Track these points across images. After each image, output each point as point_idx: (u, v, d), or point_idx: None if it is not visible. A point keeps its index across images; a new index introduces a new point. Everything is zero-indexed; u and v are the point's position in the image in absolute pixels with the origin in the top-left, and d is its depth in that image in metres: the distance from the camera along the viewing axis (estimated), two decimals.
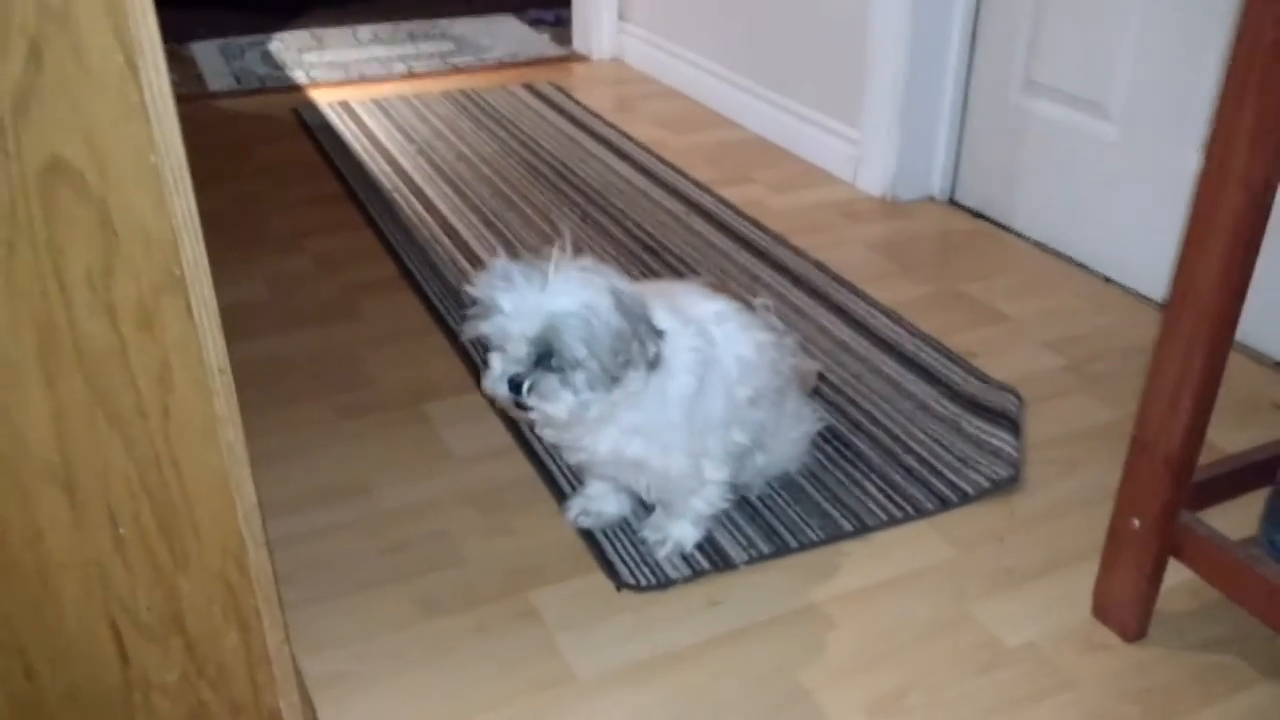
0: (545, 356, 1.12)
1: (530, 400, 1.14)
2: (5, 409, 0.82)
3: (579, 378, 1.13)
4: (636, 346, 1.14)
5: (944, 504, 1.41)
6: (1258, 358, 1.74)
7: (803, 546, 1.34)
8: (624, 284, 1.17)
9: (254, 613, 0.98)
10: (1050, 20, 2.04)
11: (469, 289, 1.15)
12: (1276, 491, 1.16)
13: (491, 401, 1.20)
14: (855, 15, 2.34)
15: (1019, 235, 2.19)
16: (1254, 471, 1.23)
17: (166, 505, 0.90)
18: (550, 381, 1.13)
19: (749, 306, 1.37)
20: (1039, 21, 2.06)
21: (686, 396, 1.22)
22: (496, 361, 1.15)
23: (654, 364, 1.16)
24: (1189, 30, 1.79)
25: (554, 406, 1.14)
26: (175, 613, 0.94)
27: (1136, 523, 1.16)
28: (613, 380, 1.14)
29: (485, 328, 1.14)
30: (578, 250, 1.16)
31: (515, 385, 1.13)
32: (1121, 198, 1.98)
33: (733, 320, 1.30)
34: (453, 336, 1.77)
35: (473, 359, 1.69)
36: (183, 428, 0.88)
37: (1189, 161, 1.83)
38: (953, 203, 2.34)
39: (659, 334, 1.17)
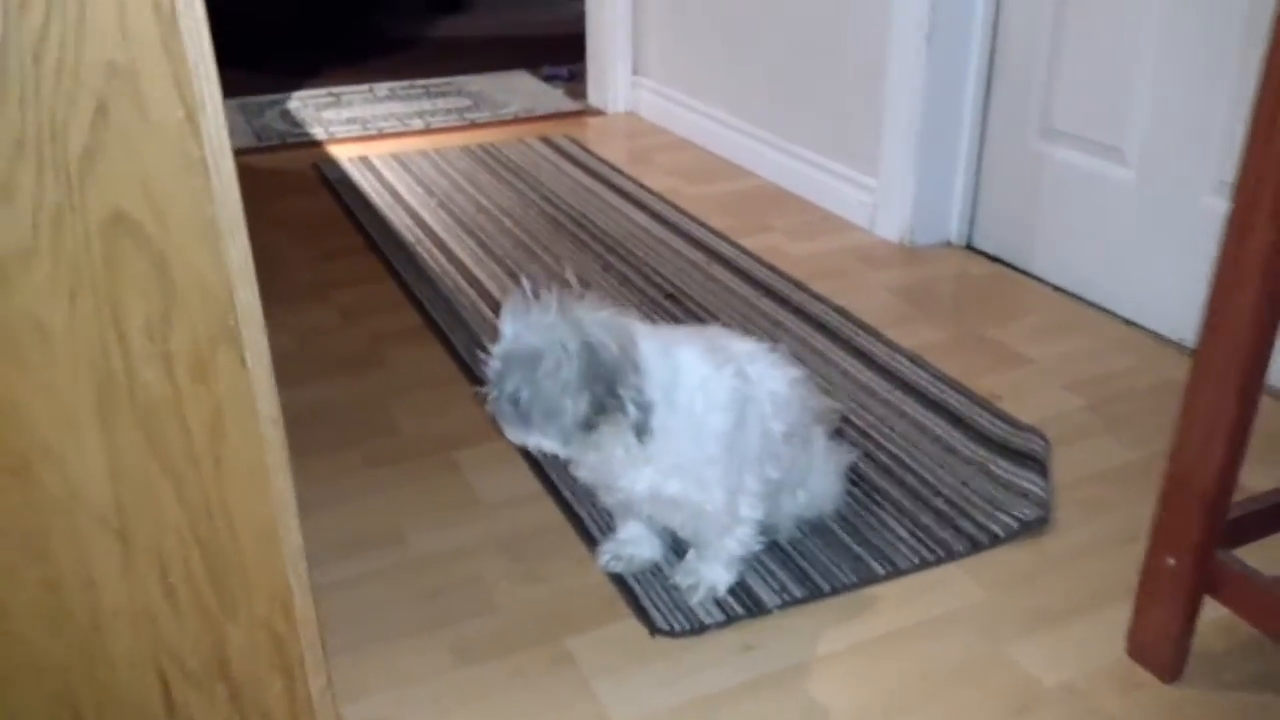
0: (504, 387, 1.16)
1: (500, 425, 1.18)
2: (62, 457, 0.84)
3: (533, 413, 1.15)
4: (600, 401, 1.13)
5: (974, 546, 1.41)
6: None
7: (835, 590, 1.34)
8: (615, 340, 1.15)
9: (298, 660, 0.99)
10: (1065, 66, 2.07)
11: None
12: None
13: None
14: (870, 64, 2.37)
15: (1038, 279, 2.20)
16: None
17: (216, 553, 0.91)
18: (506, 409, 1.17)
19: (774, 346, 1.39)
20: (1054, 68, 2.09)
21: (725, 432, 1.24)
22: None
23: (641, 431, 1.16)
24: (1203, 75, 1.82)
25: (509, 431, 1.18)
26: (221, 660, 0.95)
27: (1171, 561, 1.17)
28: (584, 426, 1.15)
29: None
30: (590, 292, 1.19)
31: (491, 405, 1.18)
32: (1140, 241, 1.99)
33: (765, 359, 1.32)
34: (479, 384, 1.78)
35: None
36: (234, 476, 0.89)
37: (1207, 204, 1.85)
38: (970, 248, 2.37)
39: (640, 398, 1.15)
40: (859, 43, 2.41)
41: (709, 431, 1.23)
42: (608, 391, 1.14)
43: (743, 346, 1.32)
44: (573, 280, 1.20)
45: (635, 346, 1.17)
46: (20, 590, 0.86)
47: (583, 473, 1.27)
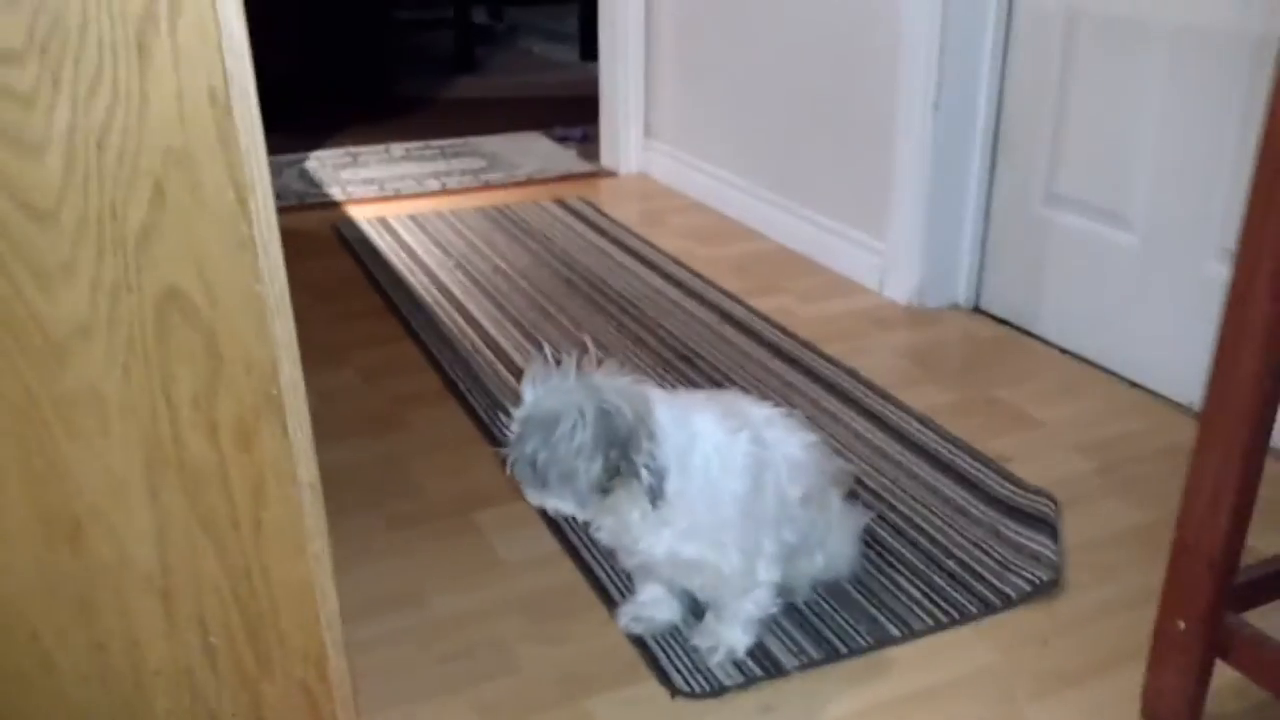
0: (523, 450, 1.19)
1: (521, 486, 1.21)
2: (112, 521, 0.87)
3: (550, 476, 1.18)
4: (614, 465, 1.17)
5: (987, 608, 1.44)
6: None
7: (852, 652, 1.36)
8: (630, 406, 1.19)
9: (330, 714, 1.01)
10: (1068, 133, 2.12)
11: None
12: None
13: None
14: (879, 130, 2.43)
15: (1045, 342, 2.24)
16: None
17: (254, 613, 0.94)
18: (525, 471, 1.20)
19: (789, 412, 1.42)
20: (1058, 134, 2.15)
21: (741, 496, 1.27)
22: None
23: (655, 493, 1.19)
24: (1205, 144, 1.87)
25: (528, 493, 1.22)
26: (257, 717, 0.97)
27: (1182, 625, 1.19)
28: (596, 492, 1.18)
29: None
30: (609, 357, 1.23)
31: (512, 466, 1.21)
32: (1144, 304, 2.03)
33: (781, 423, 1.36)
34: (499, 445, 1.82)
35: None
36: (273, 540, 0.93)
37: (1208, 270, 1.89)
38: (978, 310, 2.40)
39: (653, 464, 1.18)
40: (868, 110, 2.47)
41: (725, 496, 1.26)
42: (622, 456, 1.17)
43: (759, 411, 1.36)
44: (591, 346, 1.24)
45: (650, 412, 1.21)
46: (69, 651, 0.89)
47: (603, 535, 1.30)
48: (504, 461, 1.23)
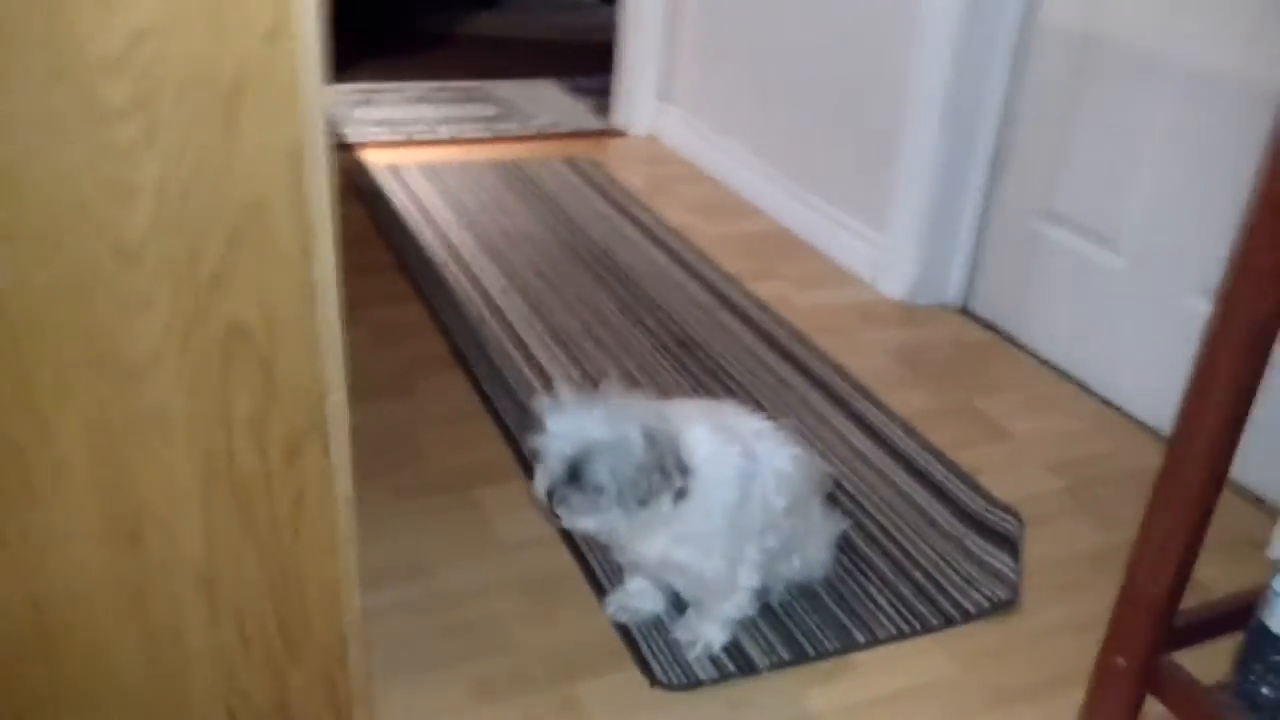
0: (576, 476, 1.28)
1: (560, 511, 1.30)
2: (168, 526, 0.96)
3: (603, 499, 1.28)
4: (659, 479, 1.29)
5: (948, 621, 1.55)
6: (1239, 490, 1.88)
7: (820, 655, 1.48)
8: (659, 423, 1.31)
9: (347, 701, 1.11)
10: (1071, 153, 2.20)
11: (535, 407, 1.32)
12: (1247, 640, 1.30)
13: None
14: (888, 130, 2.50)
15: (1027, 350, 2.34)
16: (1232, 617, 1.37)
17: (287, 608, 1.04)
18: (578, 499, 1.29)
19: (777, 424, 1.52)
20: (1060, 153, 2.22)
21: (731, 506, 1.37)
22: (539, 473, 1.32)
23: (681, 495, 1.31)
24: (1199, 185, 1.95)
25: (579, 520, 1.31)
26: (283, 701, 1.08)
27: (1121, 662, 1.30)
28: (639, 504, 1.29)
29: (536, 442, 1.31)
30: (615, 384, 1.33)
31: (552, 496, 1.30)
32: (1125, 327, 2.13)
33: (771, 437, 1.45)
34: (500, 421, 1.91)
35: (519, 446, 1.83)
36: (309, 545, 1.02)
37: (1188, 303, 1.98)
38: (966, 311, 2.50)
39: (685, 471, 1.31)
40: (879, 109, 2.53)
41: (716, 505, 1.36)
42: (663, 468, 1.29)
43: (750, 424, 1.45)
44: (612, 375, 1.33)
45: (676, 429, 1.32)
46: (122, 637, 0.98)
47: (603, 535, 1.40)
48: (548, 495, 1.30)
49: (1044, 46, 2.24)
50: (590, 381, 2.01)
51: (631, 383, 2.03)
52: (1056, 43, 2.20)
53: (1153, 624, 1.27)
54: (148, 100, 0.82)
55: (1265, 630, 1.23)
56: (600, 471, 1.27)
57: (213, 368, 0.92)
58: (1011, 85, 2.32)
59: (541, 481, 1.31)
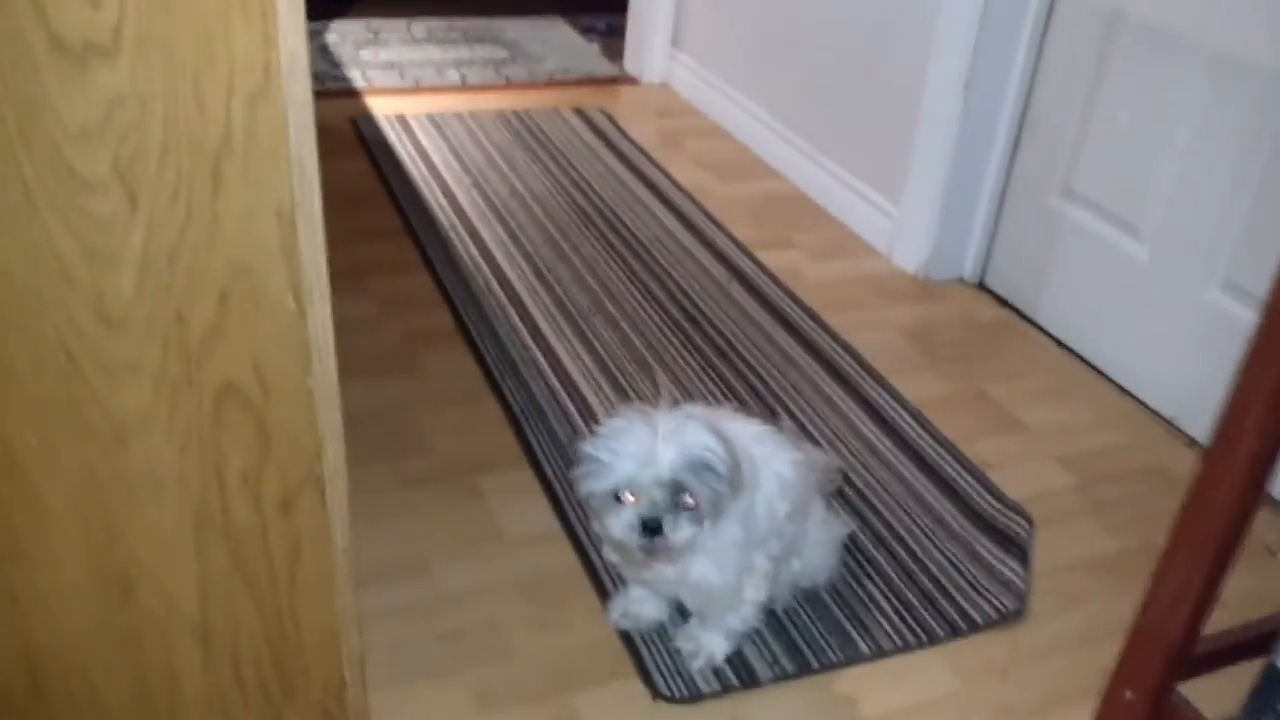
0: (676, 498, 1.25)
1: (657, 543, 1.26)
2: (159, 580, 0.94)
3: (703, 519, 1.27)
4: (730, 492, 1.28)
5: (954, 631, 1.54)
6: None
7: (823, 667, 1.46)
8: (722, 432, 1.29)
9: None
10: (1094, 133, 2.13)
11: (582, 447, 1.27)
12: (1262, 682, 1.28)
13: (627, 542, 1.29)
14: (908, 99, 2.42)
15: (1042, 330, 2.29)
16: (1246, 647, 1.35)
17: (284, 653, 1.03)
18: (682, 520, 1.26)
19: (777, 427, 1.49)
20: (1083, 131, 2.15)
21: (740, 514, 1.35)
22: (627, 511, 1.26)
23: (740, 492, 1.31)
24: (1227, 177, 1.88)
25: (683, 539, 1.27)
26: None
27: (1129, 695, 1.29)
28: (715, 520, 1.28)
29: (606, 483, 1.25)
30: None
31: (653, 528, 1.25)
32: (1143, 315, 2.08)
33: (771, 442, 1.42)
34: (504, 404, 1.89)
35: (524, 432, 1.81)
36: (306, 593, 1.00)
37: (1211, 297, 1.93)
38: (982, 286, 2.45)
39: (741, 479, 1.30)
40: (899, 77, 2.45)
41: (734, 513, 1.34)
42: (734, 480, 1.27)
43: (748, 429, 1.42)
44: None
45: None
46: (114, 681, 0.97)
47: (615, 556, 1.38)
48: (654, 528, 1.25)
49: (1071, 18, 2.15)
50: (599, 363, 1.98)
51: (641, 365, 2.00)
52: (1083, 15, 2.12)
53: (1165, 662, 1.25)
54: (128, 167, 0.77)
55: None
56: (712, 483, 1.24)
57: (204, 426, 0.89)
58: (1035, 60, 2.24)
59: (634, 518, 1.25)
